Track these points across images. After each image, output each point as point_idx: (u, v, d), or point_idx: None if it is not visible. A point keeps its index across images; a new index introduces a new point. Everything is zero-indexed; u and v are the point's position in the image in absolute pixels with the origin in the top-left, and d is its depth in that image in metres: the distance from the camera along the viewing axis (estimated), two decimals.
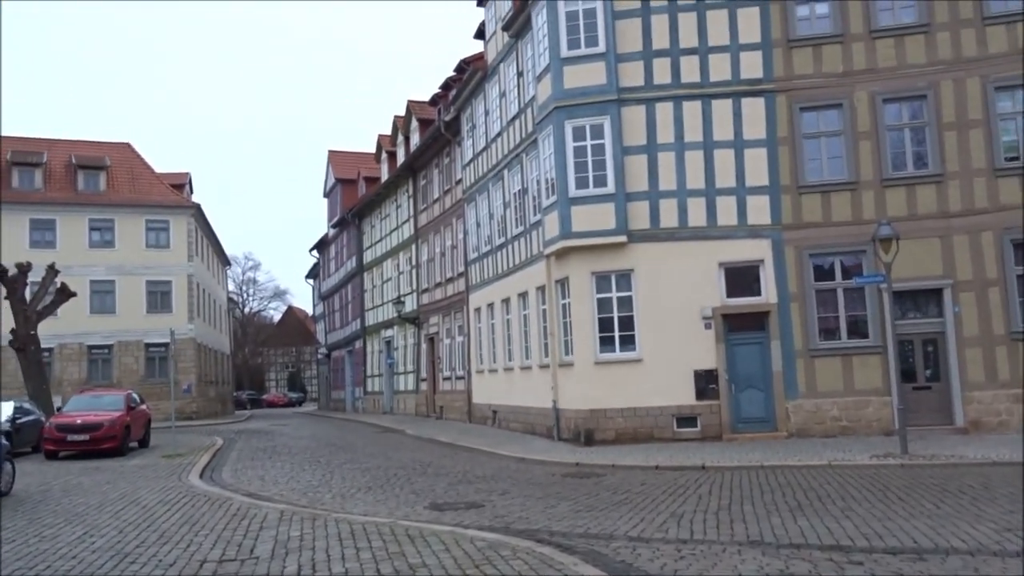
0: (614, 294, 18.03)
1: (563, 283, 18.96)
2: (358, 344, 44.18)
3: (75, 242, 38.67)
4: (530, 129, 20.87)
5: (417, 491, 12.19)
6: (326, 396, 56.79)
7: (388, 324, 38.17)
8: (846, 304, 17.60)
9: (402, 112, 36.33)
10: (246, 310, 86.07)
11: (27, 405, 22.66)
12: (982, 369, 16.94)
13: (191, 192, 46.43)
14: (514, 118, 22.52)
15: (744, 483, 11.73)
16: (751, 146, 17.91)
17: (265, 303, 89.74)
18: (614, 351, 17.87)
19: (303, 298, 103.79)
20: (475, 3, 26.30)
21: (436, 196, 31.56)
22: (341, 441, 23.37)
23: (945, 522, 8.38)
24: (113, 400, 21.61)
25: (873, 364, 17.26)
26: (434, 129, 30.28)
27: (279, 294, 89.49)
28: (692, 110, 18.04)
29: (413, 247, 34.53)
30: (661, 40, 18.19)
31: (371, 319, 41.41)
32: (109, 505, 11.26)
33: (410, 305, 34.46)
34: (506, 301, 23.53)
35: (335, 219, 47.31)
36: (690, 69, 18.11)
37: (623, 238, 17.80)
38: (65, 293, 27.50)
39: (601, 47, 18.14)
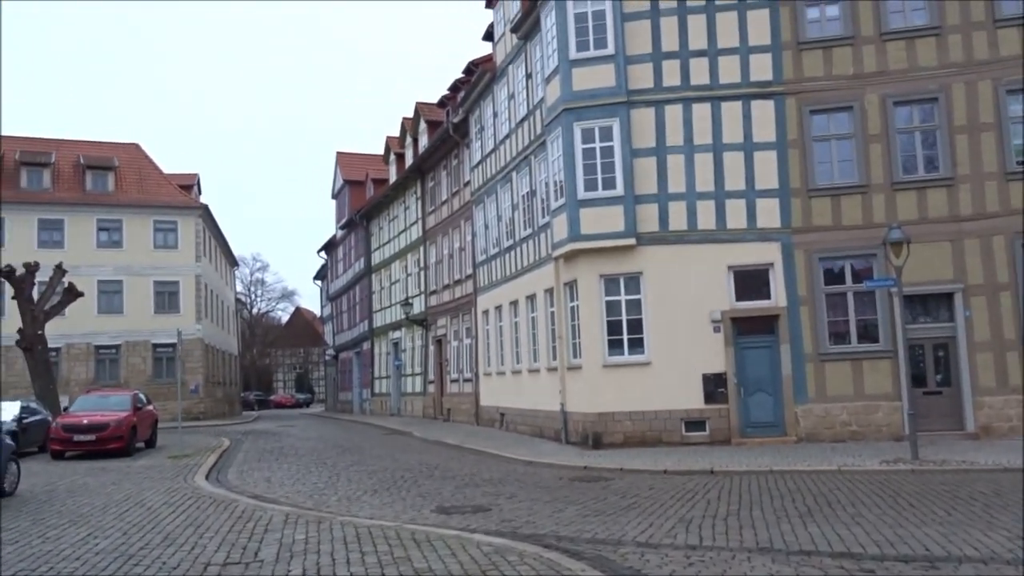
0: (623, 297, 17.94)
1: (571, 286, 18.88)
2: (366, 346, 44.19)
3: (83, 242, 38.80)
4: (539, 131, 20.81)
5: (424, 494, 12.13)
6: (333, 397, 56.81)
7: (396, 326, 38.14)
8: (856, 308, 17.46)
9: (410, 114, 36.31)
10: (254, 311, 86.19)
11: (34, 405, 22.70)
12: (993, 374, 16.79)
13: (199, 193, 46.51)
14: (523, 120, 22.46)
15: (753, 488, 11.63)
16: (761, 149, 17.81)
17: (273, 304, 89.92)
18: (622, 354, 17.78)
19: (311, 299, 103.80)
20: (484, 5, 26.27)
21: (444, 198, 31.53)
22: (348, 443, 23.33)
23: (957, 529, 8.27)
24: (120, 400, 21.64)
25: (883, 369, 17.13)
26: (442, 131, 30.25)
27: (287, 295, 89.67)
28: (701, 112, 17.95)
29: (421, 249, 34.50)
30: (670, 42, 18.10)
31: (379, 321, 41.39)
32: (114, 506, 11.23)
33: (418, 307, 34.44)
34: (514, 303, 23.47)
35: (343, 220, 47.33)
36: (699, 71, 18.01)
37: (632, 241, 17.71)
38: (72, 293, 27.56)
39: (610, 49, 18.06)
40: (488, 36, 26.63)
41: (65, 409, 23.54)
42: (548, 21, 19.25)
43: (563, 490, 12.09)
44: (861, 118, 17.64)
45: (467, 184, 28.42)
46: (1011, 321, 16.80)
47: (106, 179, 40.73)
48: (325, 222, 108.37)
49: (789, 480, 12.32)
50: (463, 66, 29.50)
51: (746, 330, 17.60)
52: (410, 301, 35.01)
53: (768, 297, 17.66)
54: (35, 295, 26.62)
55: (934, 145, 17.52)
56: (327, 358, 61.77)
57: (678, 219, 17.85)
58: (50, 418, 21.98)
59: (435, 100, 34.44)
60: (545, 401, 20.52)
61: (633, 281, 17.93)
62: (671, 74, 18.07)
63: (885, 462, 13.46)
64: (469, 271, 28.17)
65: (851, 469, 13.00)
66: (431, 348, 33.23)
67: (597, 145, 17.98)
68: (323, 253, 55.56)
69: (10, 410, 20.73)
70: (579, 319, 18.39)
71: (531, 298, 22.05)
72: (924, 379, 17.21)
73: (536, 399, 21.39)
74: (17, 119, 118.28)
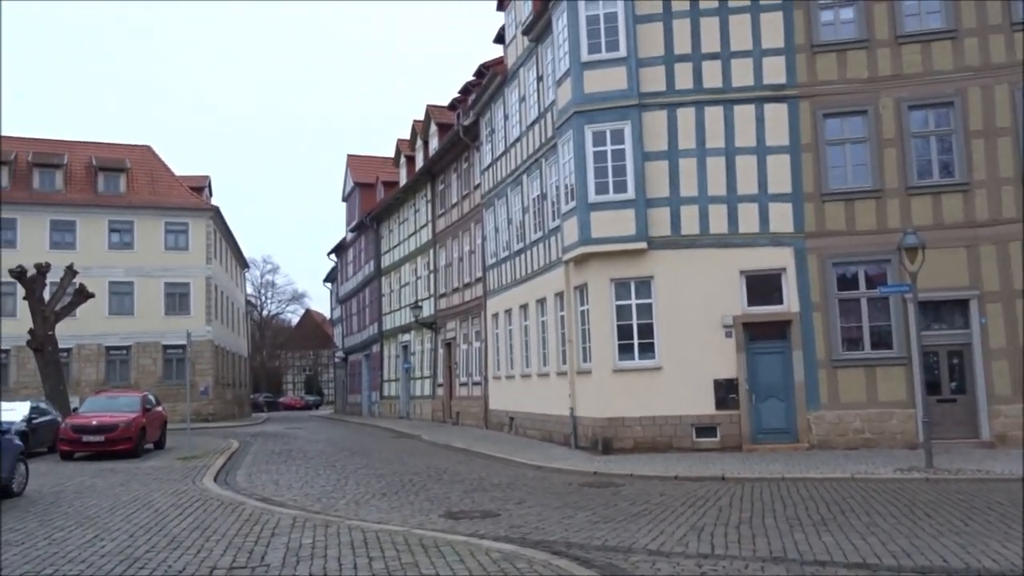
0: (633, 301, 17.82)
1: (582, 289, 18.77)
2: (375, 348, 44.16)
3: (95, 243, 38.92)
4: (550, 134, 20.72)
5: (432, 498, 12.03)
6: (343, 400, 56.82)
7: (405, 329, 38.10)
8: (870, 314, 17.28)
9: (421, 117, 36.32)
10: (264, 313, 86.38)
11: (44, 405, 22.72)
12: (1009, 382, 16.58)
13: (210, 195, 46.63)
14: (533, 123, 22.38)
15: (765, 495, 11.48)
16: (774, 152, 17.66)
17: (283, 306, 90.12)
18: (633, 359, 17.65)
19: (321, 301, 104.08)
20: (495, 7, 26.22)
21: (454, 201, 31.48)
22: (356, 445, 23.27)
23: (975, 540, 8.11)
24: (129, 401, 21.63)
25: (897, 375, 16.94)
26: (453, 134, 30.22)
27: (297, 297, 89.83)
28: (714, 115, 17.82)
29: (431, 252, 34.45)
30: (683, 45, 17.99)
31: (388, 323, 41.36)
32: (121, 508, 11.18)
33: (427, 310, 34.38)
34: (524, 307, 23.37)
35: (353, 223, 47.35)
36: (712, 74, 17.89)
37: (643, 245, 17.59)
38: (83, 294, 27.61)
39: (622, 51, 17.96)
40: (499, 39, 26.59)
41: (74, 410, 23.55)
42: (560, 23, 19.17)
43: (573, 496, 11.97)
44: (875, 122, 17.48)
45: (477, 187, 28.36)
46: None
47: (118, 181, 40.86)
48: (335, 225, 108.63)
49: (802, 488, 12.17)
50: (474, 69, 29.49)
51: (758, 335, 17.44)
52: (420, 304, 34.95)
53: (780, 302, 17.50)
54: (46, 296, 26.69)
55: (950, 150, 17.34)
56: (336, 360, 61.80)
57: (690, 223, 17.72)
58: (60, 419, 21.98)
59: (446, 103, 34.46)
60: (554, 405, 20.41)
61: (644, 285, 17.80)
62: (683, 77, 17.95)
63: (899, 470, 13.29)
64: (479, 274, 28.10)
65: (865, 477, 12.84)
66: (440, 351, 33.16)
67: (608, 148, 17.87)
68: (333, 256, 55.63)
69: (20, 410, 20.77)
70: (589, 323, 18.28)
71: (541, 302, 21.95)
72: (939, 386, 17.00)
73: (545, 403, 21.28)
74: (30, 121, 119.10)
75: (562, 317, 20.17)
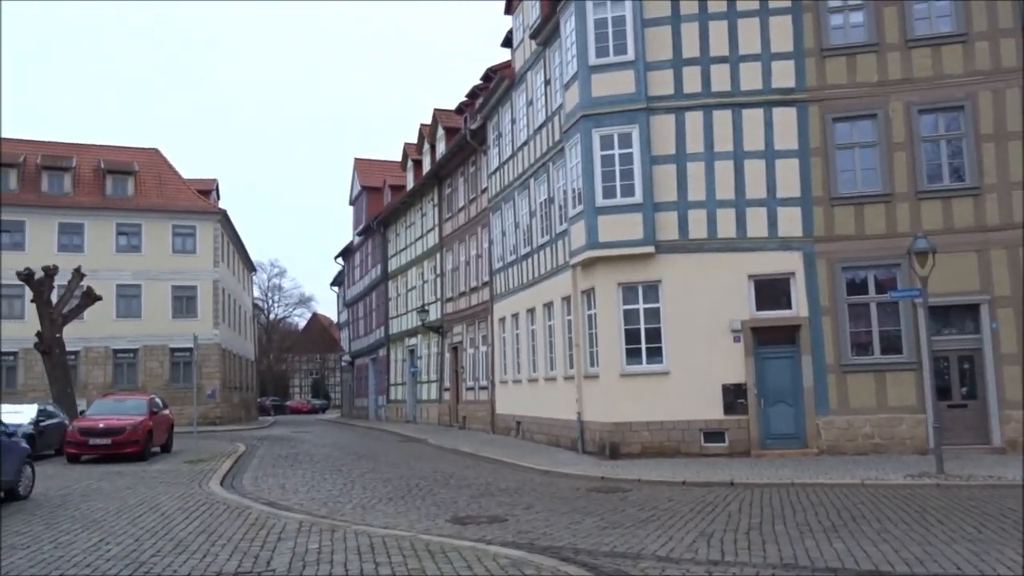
0: (641, 305, 17.74)
1: (589, 294, 18.70)
2: (382, 352, 44.13)
3: (102, 246, 39.02)
4: (557, 138, 20.67)
5: (439, 503, 11.97)
6: (349, 403, 56.81)
7: (412, 333, 38.06)
8: (879, 319, 17.16)
9: (428, 120, 36.33)
10: (271, 316, 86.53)
11: (51, 408, 22.75)
12: (1020, 387, 16.41)
13: (218, 198, 46.73)
14: (541, 126, 22.34)
15: (775, 501, 11.39)
16: (782, 156, 17.57)
17: (290, 310, 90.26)
18: (641, 363, 17.57)
19: (328, 305, 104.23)
20: (503, 11, 26.20)
21: (461, 205, 31.45)
22: (363, 449, 23.22)
23: (989, 548, 8.01)
24: (136, 404, 21.62)
25: (907, 381, 16.82)
26: (460, 137, 30.19)
27: (304, 301, 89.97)
28: (722, 119, 17.74)
29: (438, 256, 34.42)
30: (691, 48, 17.92)
31: (395, 327, 41.34)
32: (127, 511, 11.15)
33: (434, 314, 34.34)
34: (531, 311, 23.30)
35: (360, 227, 47.38)
36: (720, 78, 17.81)
37: (651, 249, 17.52)
38: (90, 297, 27.67)
39: (630, 55, 17.91)
40: (507, 42, 26.55)
41: (81, 413, 23.56)
42: (567, 26, 19.13)
43: (580, 501, 11.89)
44: (885, 126, 17.38)
45: (484, 191, 28.32)
46: None
47: (126, 184, 40.96)
48: (342, 228, 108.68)
49: (811, 493, 12.07)
50: (481, 72, 29.46)
51: (766, 340, 17.34)
52: (426, 308, 34.91)
53: (789, 307, 17.40)
54: (54, 299, 26.74)
55: (960, 154, 17.22)
56: (343, 364, 61.82)
57: (698, 227, 17.64)
58: (67, 421, 22.00)
59: (453, 107, 34.43)
60: (561, 410, 20.33)
61: (652, 289, 17.72)
62: (692, 80, 17.88)
63: (910, 476, 13.18)
64: (486, 278, 28.05)
65: (875, 483, 12.73)
66: (447, 355, 33.11)
67: (616, 152, 17.81)
68: (340, 259, 55.67)
69: (27, 413, 20.80)
70: (596, 327, 18.20)
71: (548, 306, 21.88)
72: (949, 392, 16.86)
73: (552, 408, 21.19)
74: (39, 124, 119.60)
75: (569, 321, 20.10)
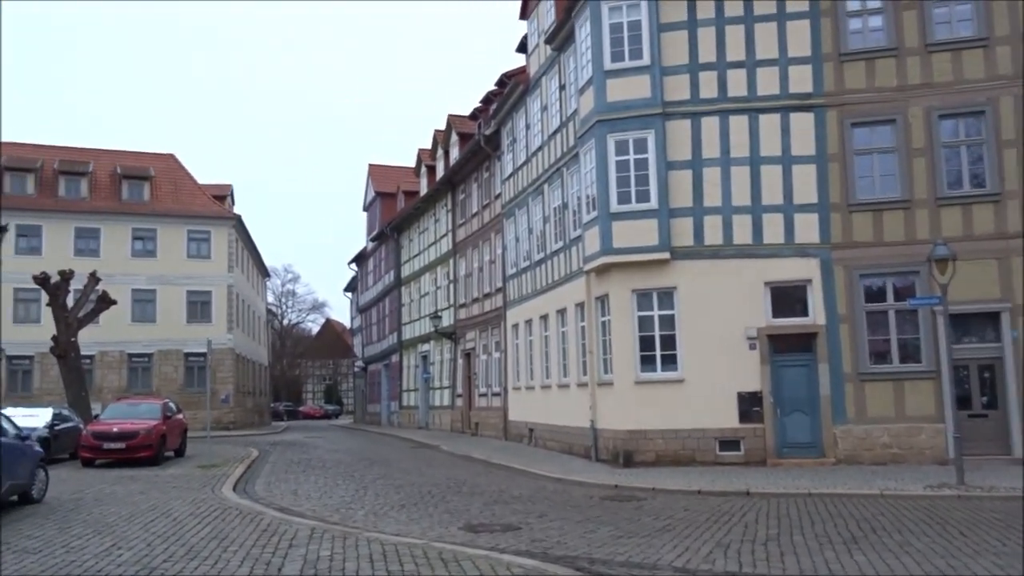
0: (655, 312, 17.59)
1: (603, 300, 18.57)
2: (394, 358, 44.10)
3: (118, 251, 39.23)
4: (571, 143, 20.58)
5: (451, 510, 11.86)
6: (362, 409, 56.82)
7: (425, 339, 38.01)
8: (898, 327, 16.95)
9: (442, 126, 36.32)
10: (285, 322, 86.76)
11: (66, 412, 22.81)
12: None
13: (233, 203, 46.90)
14: (555, 132, 22.26)
15: (792, 511, 11.22)
16: (799, 162, 17.40)
17: (303, 315, 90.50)
18: (655, 371, 17.42)
19: (341, 311, 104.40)
20: (518, 16, 26.17)
21: (475, 210, 31.39)
22: (376, 455, 23.15)
23: (1015, 561, 7.83)
24: (149, 409, 21.65)
25: (926, 390, 16.59)
26: (474, 143, 30.15)
27: (317, 306, 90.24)
28: (739, 125, 17.60)
29: (451, 261, 34.37)
30: (707, 53, 17.80)
31: (408, 333, 41.31)
32: (140, 516, 11.10)
33: (447, 320, 34.27)
34: (544, 318, 23.19)
35: (374, 232, 47.43)
36: (737, 83, 17.68)
37: (666, 255, 17.38)
38: (105, 301, 27.77)
39: (646, 60, 17.80)
40: (522, 47, 26.52)
41: (96, 417, 23.62)
42: (583, 31, 19.05)
43: (594, 509, 11.76)
44: (904, 131, 17.18)
45: (498, 196, 28.25)
46: None
47: (142, 189, 41.19)
48: (356, 234, 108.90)
49: (829, 504, 11.89)
50: (496, 78, 29.43)
51: (783, 348, 17.15)
52: (439, 314, 34.86)
53: (806, 314, 17.21)
54: (69, 303, 26.85)
55: (980, 160, 17.01)
56: (356, 370, 61.84)
57: (713, 233, 17.49)
58: (82, 425, 22.04)
59: (467, 112, 34.42)
60: (575, 417, 20.18)
61: (667, 296, 17.58)
62: (708, 85, 17.76)
63: (930, 487, 12.96)
64: (499, 284, 27.96)
65: (894, 494, 12.53)
66: (460, 361, 33.02)
67: (631, 157, 17.69)
68: (353, 265, 55.76)
69: (43, 416, 20.87)
70: (611, 334, 18.07)
71: (562, 312, 21.76)
72: (969, 401, 16.62)
73: (566, 415, 21.05)
74: (57, 129, 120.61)
75: (583, 328, 19.97)
